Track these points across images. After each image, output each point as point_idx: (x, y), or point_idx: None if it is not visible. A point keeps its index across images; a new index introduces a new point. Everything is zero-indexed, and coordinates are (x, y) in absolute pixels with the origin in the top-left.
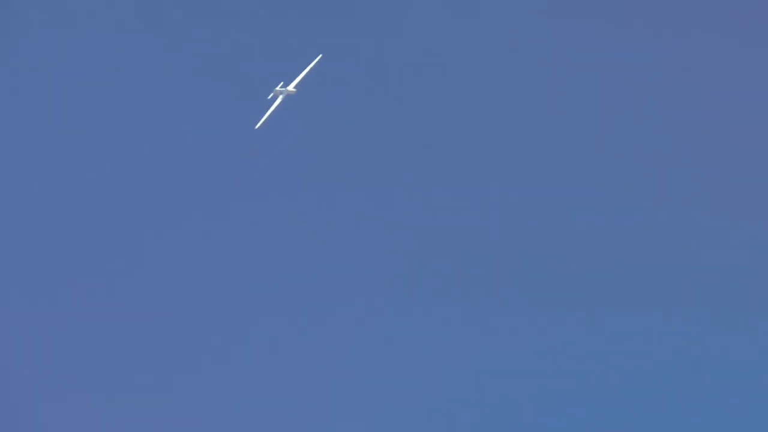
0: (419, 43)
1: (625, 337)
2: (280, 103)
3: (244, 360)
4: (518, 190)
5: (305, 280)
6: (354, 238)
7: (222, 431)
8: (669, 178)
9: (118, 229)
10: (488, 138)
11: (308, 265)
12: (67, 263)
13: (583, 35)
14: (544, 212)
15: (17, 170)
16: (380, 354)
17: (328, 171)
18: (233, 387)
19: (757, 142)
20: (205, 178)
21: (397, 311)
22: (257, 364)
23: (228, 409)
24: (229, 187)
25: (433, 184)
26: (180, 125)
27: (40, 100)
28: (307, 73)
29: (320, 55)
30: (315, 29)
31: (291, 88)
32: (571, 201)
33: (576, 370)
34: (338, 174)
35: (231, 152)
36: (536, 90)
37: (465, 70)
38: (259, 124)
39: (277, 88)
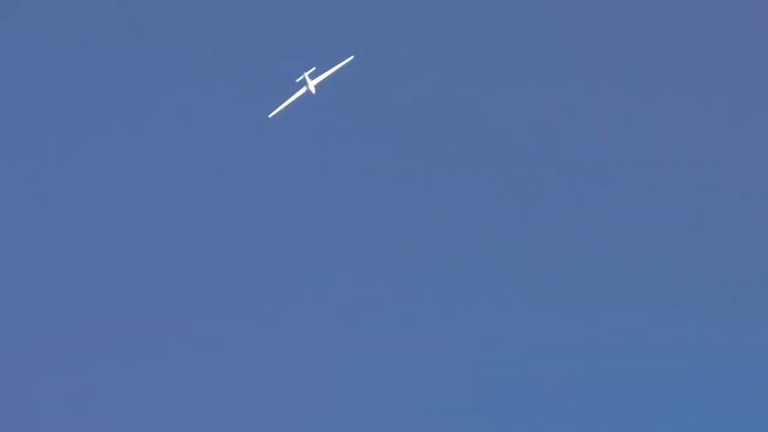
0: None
1: (625, 337)
2: (298, 98)
3: (246, 358)
4: (519, 191)
5: (307, 277)
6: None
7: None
8: (669, 179)
9: (120, 219)
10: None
11: (312, 259)
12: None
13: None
14: (543, 213)
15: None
16: (381, 354)
17: (334, 168)
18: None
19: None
20: (211, 161)
21: (397, 310)
22: (259, 362)
23: (228, 408)
24: (233, 173)
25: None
26: (199, 107)
27: (63, 89)
28: (335, 72)
29: (352, 57)
30: (355, 30)
31: (313, 84)
32: (577, 199)
33: (576, 371)
34: (341, 172)
35: (240, 137)
36: (550, 92)
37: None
38: (273, 114)
39: (307, 75)
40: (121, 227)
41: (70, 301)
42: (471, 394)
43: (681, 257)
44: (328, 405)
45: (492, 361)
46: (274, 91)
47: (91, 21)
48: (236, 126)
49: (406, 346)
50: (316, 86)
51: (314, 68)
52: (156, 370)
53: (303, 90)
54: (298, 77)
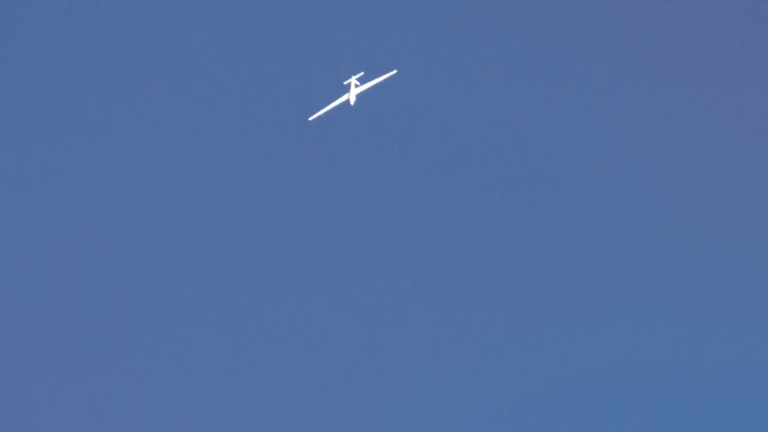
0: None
1: (625, 339)
2: (338, 105)
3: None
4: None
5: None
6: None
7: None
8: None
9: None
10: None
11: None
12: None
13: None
14: (545, 213)
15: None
16: (379, 354)
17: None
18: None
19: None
20: (246, 161)
21: (396, 310)
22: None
23: (227, 408)
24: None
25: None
26: (240, 110)
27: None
28: (376, 84)
29: (395, 71)
30: (400, 44)
31: (354, 93)
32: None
33: (575, 371)
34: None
35: (280, 139)
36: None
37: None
38: (313, 117)
39: (354, 78)
40: (151, 230)
41: (70, 301)
42: (471, 394)
43: (681, 257)
44: (327, 405)
45: (492, 361)
46: (316, 94)
47: (134, 26)
48: (275, 126)
49: (406, 346)
50: (357, 96)
51: (362, 73)
52: (155, 370)
53: (344, 97)
54: (345, 80)
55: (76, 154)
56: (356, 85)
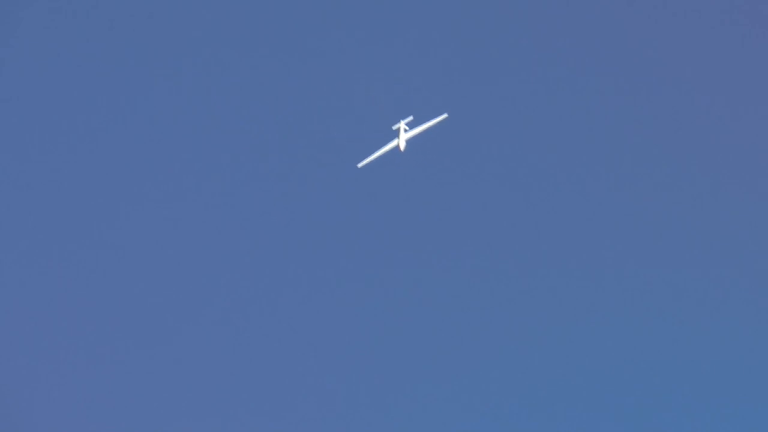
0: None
1: (625, 339)
2: (388, 150)
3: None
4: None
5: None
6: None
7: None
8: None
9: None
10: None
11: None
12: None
13: None
14: (545, 214)
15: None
16: (380, 354)
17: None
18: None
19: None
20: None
21: (396, 310)
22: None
23: (228, 408)
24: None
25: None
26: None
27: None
28: (426, 129)
29: (445, 115)
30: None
31: (404, 138)
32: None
33: (576, 373)
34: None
35: (328, 184)
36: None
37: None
38: (362, 163)
39: (404, 123)
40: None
41: (70, 301)
42: (471, 395)
43: (681, 257)
44: (327, 405)
45: (492, 361)
46: (365, 140)
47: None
48: (324, 172)
49: (406, 346)
50: (407, 141)
51: (411, 117)
52: (156, 371)
53: (394, 143)
54: (395, 125)
55: (80, 154)
56: (405, 130)
